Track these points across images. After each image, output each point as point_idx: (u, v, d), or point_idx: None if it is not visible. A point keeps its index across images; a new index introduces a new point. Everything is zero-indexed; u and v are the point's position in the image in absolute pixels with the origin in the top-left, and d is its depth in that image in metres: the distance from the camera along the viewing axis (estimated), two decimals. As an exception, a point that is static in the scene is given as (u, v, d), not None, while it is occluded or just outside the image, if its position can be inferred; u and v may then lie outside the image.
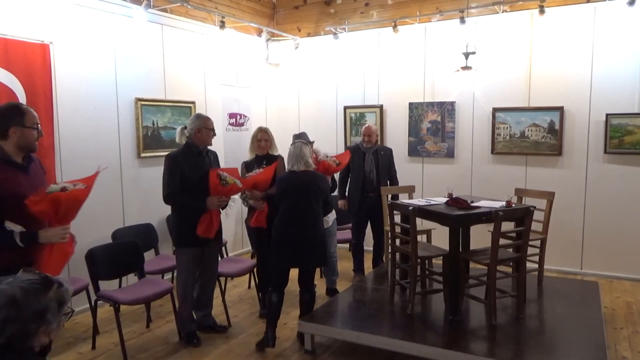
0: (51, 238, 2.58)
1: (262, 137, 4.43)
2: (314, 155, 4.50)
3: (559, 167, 5.49)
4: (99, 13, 4.60)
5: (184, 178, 3.69)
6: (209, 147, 3.95)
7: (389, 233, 4.39)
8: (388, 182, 5.27)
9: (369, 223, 5.32)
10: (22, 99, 3.95)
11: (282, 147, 6.60)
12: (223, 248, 5.18)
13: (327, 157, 4.63)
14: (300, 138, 4.78)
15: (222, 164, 4.67)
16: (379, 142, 5.51)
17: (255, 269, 4.64)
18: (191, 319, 3.98)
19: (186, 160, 3.74)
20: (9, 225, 2.50)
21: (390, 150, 5.42)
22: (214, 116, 5.90)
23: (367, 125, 5.30)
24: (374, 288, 4.52)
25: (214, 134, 3.93)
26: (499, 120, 5.71)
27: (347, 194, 5.25)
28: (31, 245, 2.54)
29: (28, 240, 2.53)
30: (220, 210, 3.88)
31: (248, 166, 4.36)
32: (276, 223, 3.74)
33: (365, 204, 5.15)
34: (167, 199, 3.75)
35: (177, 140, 3.95)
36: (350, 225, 5.48)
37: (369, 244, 5.41)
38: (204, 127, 3.82)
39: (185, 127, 3.87)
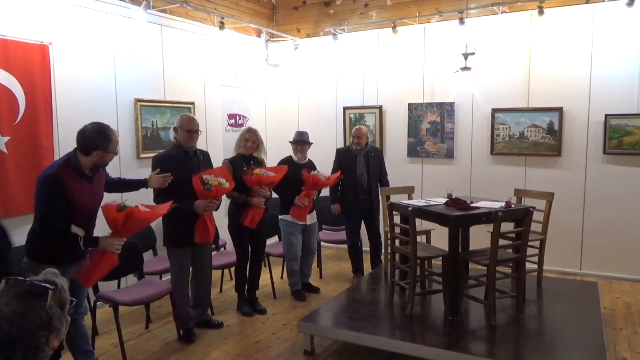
0: (108, 246, 2.92)
1: (250, 138, 4.35)
2: (306, 172, 4.62)
3: (558, 167, 5.50)
4: (99, 14, 4.60)
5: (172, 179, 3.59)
6: (199, 147, 3.93)
7: (389, 234, 4.39)
8: (378, 184, 5.25)
9: (363, 224, 5.32)
10: (21, 100, 3.95)
11: (282, 147, 6.63)
12: (222, 249, 5.18)
13: (318, 172, 4.75)
14: (302, 137, 4.84)
15: (221, 164, 4.66)
16: (375, 144, 5.50)
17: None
18: (189, 316, 3.99)
19: (172, 161, 3.67)
20: (75, 229, 2.82)
21: (381, 152, 5.44)
22: (214, 117, 5.98)
23: (357, 127, 5.24)
24: (373, 289, 4.52)
25: (193, 136, 3.79)
26: (498, 120, 5.71)
27: (339, 196, 5.21)
28: (88, 248, 2.90)
29: (89, 244, 2.89)
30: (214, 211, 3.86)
31: (233, 164, 4.29)
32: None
33: (358, 206, 5.15)
34: (156, 200, 3.67)
35: (170, 138, 3.95)
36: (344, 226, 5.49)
37: (367, 244, 5.41)
38: (179, 127, 3.77)
39: None
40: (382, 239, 5.30)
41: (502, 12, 5.57)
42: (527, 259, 3.92)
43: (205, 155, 4.04)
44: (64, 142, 4.31)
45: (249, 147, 4.35)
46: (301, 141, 4.83)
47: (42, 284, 1.34)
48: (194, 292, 4.09)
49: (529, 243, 3.98)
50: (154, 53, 5.18)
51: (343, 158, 5.17)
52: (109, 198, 3.19)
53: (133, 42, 4.93)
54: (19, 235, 3.86)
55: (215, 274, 4.57)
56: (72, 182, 2.81)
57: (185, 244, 3.80)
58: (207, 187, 3.65)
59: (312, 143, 4.94)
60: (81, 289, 3.12)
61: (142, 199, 3.29)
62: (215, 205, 3.81)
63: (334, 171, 5.11)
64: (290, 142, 4.91)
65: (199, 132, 3.87)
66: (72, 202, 2.79)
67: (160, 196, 3.60)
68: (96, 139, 2.85)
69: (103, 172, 3.17)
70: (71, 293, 3.04)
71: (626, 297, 4.81)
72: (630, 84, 5.08)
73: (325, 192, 5.21)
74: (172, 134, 3.90)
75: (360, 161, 5.12)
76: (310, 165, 4.89)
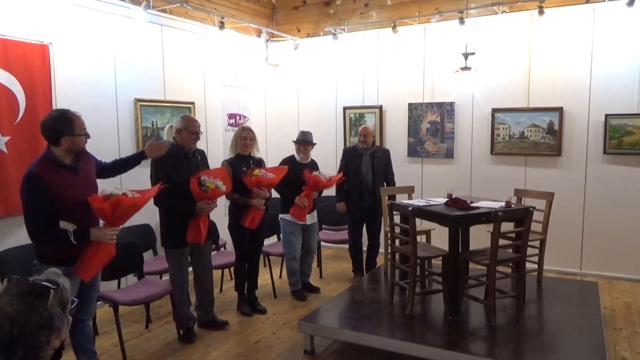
0: (101, 237, 2.83)
1: (247, 135, 4.32)
2: (308, 172, 4.61)
3: (559, 167, 5.50)
4: (99, 14, 4.60)
5: (170, 180, 3.57)
6: (197, 147, 3.92)
7: (389, 233, 4.39)
8: (384, 184, 5.23)
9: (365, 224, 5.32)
10: (21, 99, 3.95)
11: (282, 147, 6.63)
12: (222, 249, 5.18)
13: (319, 173, 4.76)
14: (306, 137, 4.84)
15: (220, 165, 4.66)
16: (376, 143, 5.49)
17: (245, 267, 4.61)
18: (188, 316, 3.98)
19: (171, 162, 3.65)
20: (63, 224, 2.72)
21: (388, 152, 5.40)
22: (214, 117, 5.98)
23: (364, 125, 5.24)
24: (373, 288, 4.52)
25: (196, 138, 3.81)
26: (498, 120, 5.71)
27: (344, 195, 5.22)
28: (82, 242, 2.78)
29: (81, 237, 2.77)
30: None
31: (232, 165, 4.28)
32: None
33: (361, 205, 5.15)
34: (156, 202, 3.66)
35: (164, 137, 3.93)
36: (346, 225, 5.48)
37: (366, 243, 5.41)
38: (184, 129, 3.76)
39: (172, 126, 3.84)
40: (382, 241, 5.27)
41: (502, 12, 5.57)
42: (527, 259, 3.92)
43: (202, 154, 4.04)
44: (64, 142, 4.31)
45: (247, 144, 4.32)
46: (304, 141, 4.82)
47: (44, 284, 1.34)
48: (197, 293, 4.10)
49: (529, 243, 3.98)
50: (154, 53, 5.18)
51: (349, 157, 5.17)
52: (108, 185, 3.13)
53: (133, 42, 4.93)
54: (19, 235, 3.88)
55: (215, 274, 4.57)
56: (53, 176, 2.73)
57: (183, 244, 3.80)
58: (203, 188, 3.65)
59: (315, 143, 4.93)
60: (93, 292, 3.10)
61: (137, 185, 3.24)
62: (214, 206, 3.83)
63: (340, 170, 5.12)
64: (293, 141, 4.91)
65: (201, 133, 3.88)
66: (58, 196, 2.71)
67: (160, 199, 3.57)
68: (58, 125, 2.76)
69: (89, 160, 3.05)
70: (82, 295, 3.02)
71: (626, 297, 4.81)
72: (630, 84, 5.08)
73: (327, 192, 5.20)
74: (168, 134, 3.87)
75: (366, 160, 5.11)
76: (313, 166, 4.89)
